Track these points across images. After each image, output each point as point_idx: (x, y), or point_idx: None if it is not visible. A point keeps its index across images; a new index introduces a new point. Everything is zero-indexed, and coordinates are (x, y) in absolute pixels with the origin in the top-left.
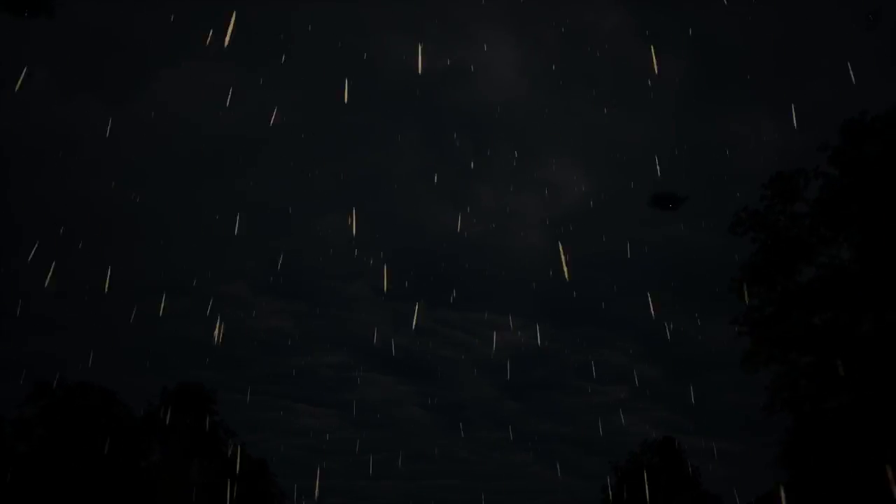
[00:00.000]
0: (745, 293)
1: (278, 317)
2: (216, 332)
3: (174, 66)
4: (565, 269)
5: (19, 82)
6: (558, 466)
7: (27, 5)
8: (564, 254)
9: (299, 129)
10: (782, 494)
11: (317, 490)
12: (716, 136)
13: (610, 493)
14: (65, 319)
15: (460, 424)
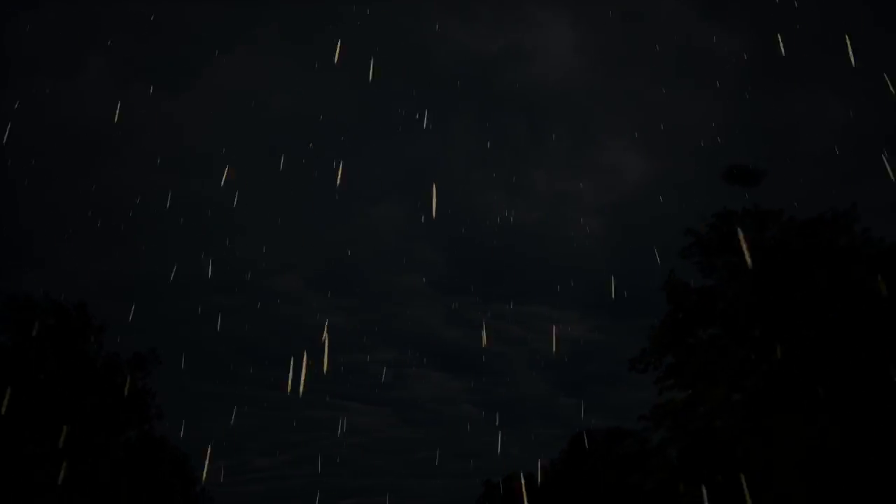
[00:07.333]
0: None
1: (330, 313)
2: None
3: (229, 53)
4: None
5: None
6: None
7: None
8: None
9: (352, 117)
10: None
11: None
12: (779, 115)
13: None
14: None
15: (513, 421)
